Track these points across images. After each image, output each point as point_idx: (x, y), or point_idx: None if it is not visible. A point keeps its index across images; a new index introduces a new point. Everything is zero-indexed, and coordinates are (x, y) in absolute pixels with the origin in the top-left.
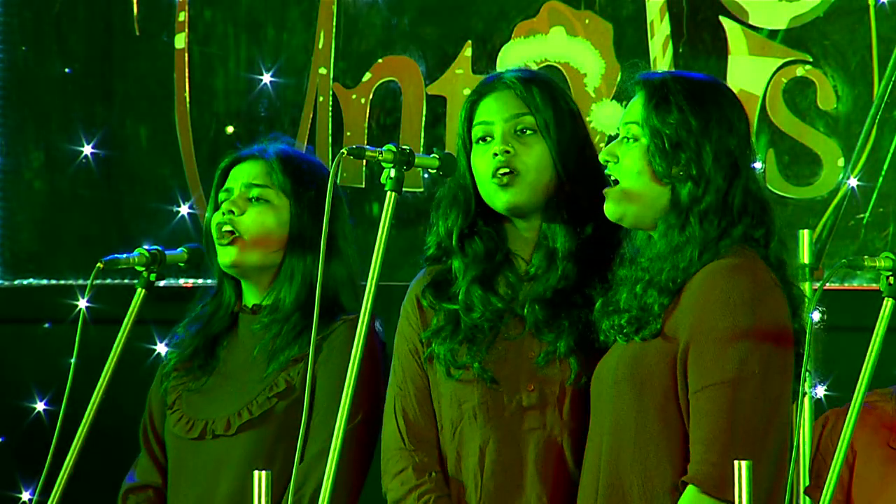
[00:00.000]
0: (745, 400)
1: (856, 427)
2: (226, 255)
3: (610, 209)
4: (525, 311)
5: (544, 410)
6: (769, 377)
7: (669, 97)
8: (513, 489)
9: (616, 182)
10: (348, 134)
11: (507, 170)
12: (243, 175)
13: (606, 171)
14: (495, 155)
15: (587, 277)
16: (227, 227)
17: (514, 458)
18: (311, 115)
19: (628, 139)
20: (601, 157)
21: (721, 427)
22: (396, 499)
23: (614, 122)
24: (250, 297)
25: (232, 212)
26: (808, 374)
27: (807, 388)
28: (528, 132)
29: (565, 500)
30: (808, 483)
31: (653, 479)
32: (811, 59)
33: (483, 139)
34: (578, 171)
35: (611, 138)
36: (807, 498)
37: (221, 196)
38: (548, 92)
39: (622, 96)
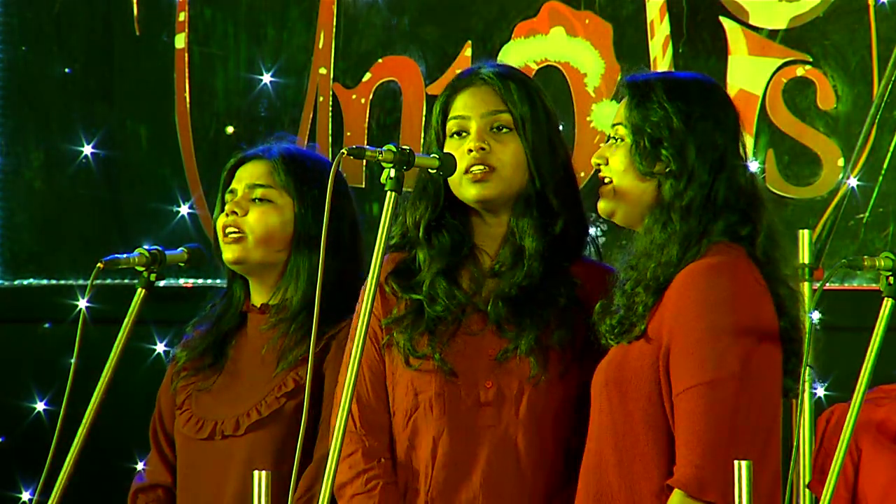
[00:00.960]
0: (727, 400)
1: (861, 425)
2: (229, 252)
3: (601, 206)
4: (489, 307)
5: (500, 408)
6: (752, 376)
7: (651, 95)
8: (462, 483)
9: (609, 182)
10: (348, 134)
11: (481, 167)
12: (247, 176)
13: (600, 174)
14: (470, 151)
15: (552, 276)
16: (231, 229)
17: (467, 453)
18: (311, 115)
19: (615, 140)
20: (593, 162)
21: (703, 429)
22: (343, 482)
23: None
24: (258, 297)
25: (235, 213)
26: (806, 373)
27: (807, 388)
28: (504, 130)
29: (514, 499)
30: (809, 479)
31: (639, 482)
32: (811, 59)
33: (458, 133)
34: (550, 170)
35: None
36: (808, 494)
37: (227, 197)
38: (524, 89)
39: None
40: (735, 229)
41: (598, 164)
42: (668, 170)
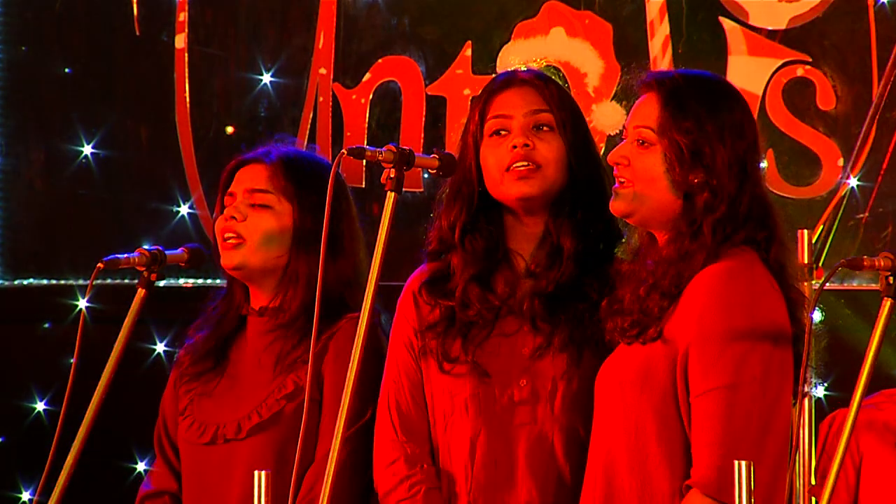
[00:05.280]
0: (746, 403)
1: (863, 429)
2: (228, 258)
3: (619, 207)
4: (524, 306)
5: (535, 405)
6: (769, 379)
7: (685, 104)
8: (503, 483)
9: (627, 183)
10: (348, 134)
11: (525, 163)
12: (246, 180)
13: (616, 174)
14: (514, 147)
15: (586, 275)
16: (230, 234)
17: (505, 452)
18: (311, 115)
19: (641, 143)
20: (610, 159)
21: (723, 430)
22: (387, 489)
23: (613, 122)
24: (257, 300)
25: (234, 218)
26: (808, 374)
27: (808, 389)
28: (546, 128)
29: (555, 496)
30: (813, 483)
31: (652, 482)
32: (810, 59)
33: (498, 132)
34: (587, 170)
35: (610, 138)
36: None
37: (226, 201)
38: (562, 92)
39: (622, 96)
40: (751, 235)
41: (617, 164)
42: (700, 182)
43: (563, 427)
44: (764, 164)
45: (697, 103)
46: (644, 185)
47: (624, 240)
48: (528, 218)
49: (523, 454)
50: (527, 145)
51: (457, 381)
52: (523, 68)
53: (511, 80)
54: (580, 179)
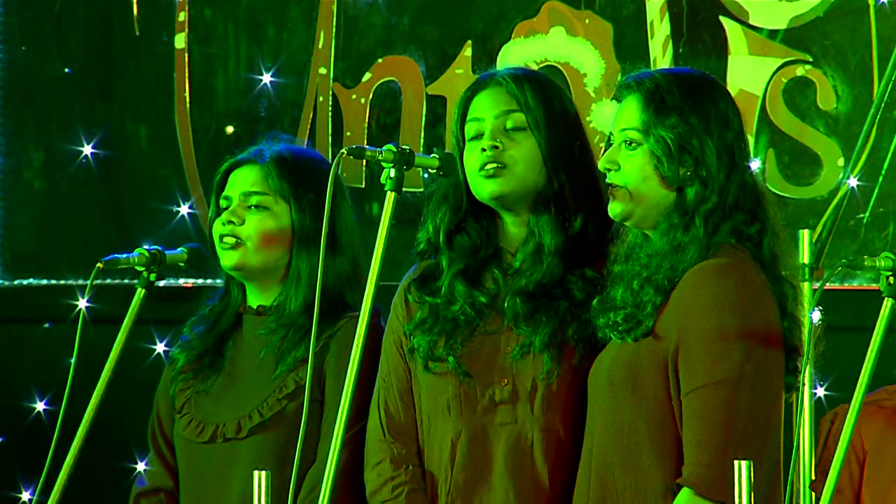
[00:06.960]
0: (737, 401)
1: (865, 426)
2: (228, 259)
3: (615, 210)
4: (506, 304)
5: (516, 405)
6: (760, 377)
7: (666, 99)
8: (481, 483)
9: (620, 186)
10: (348, 134)
11: (494, 164)
12: (241, 182)
13: (608, 179)
14: (483, 150)
15: (570, 272)
16: (229, 238)
17: (484, 453)
18: (311, 115)
19: (628, 144)
20: (601, 166)
21: (714, 429)
22: (373, 490)
23: None
24: (255, 299)
25: (232, 222)
26: (807, 372)
27: (806, 387)
28: (518, 129)
29: (532, 497)
30: (814, 479)
31: (645, 481)
32: (811, 59)
33: (476, 136)
34: (569, 169)
35: (609, 139)
36: (809, 495)
37: (222, 203)
38: (540, 90)
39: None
40: (741, 229)
41: (608, 169)
42: (690, 175)
43: (542, 428)
44: (759, 163)
45: (679, 98)
46: (636, 185)
47: (619, 240)
48: (512, 218)
49: (502, 455)
50: (495, 147)
51: (440, 380)
52: (508, 67)
53: (486, 81)
54: (560, 177)
